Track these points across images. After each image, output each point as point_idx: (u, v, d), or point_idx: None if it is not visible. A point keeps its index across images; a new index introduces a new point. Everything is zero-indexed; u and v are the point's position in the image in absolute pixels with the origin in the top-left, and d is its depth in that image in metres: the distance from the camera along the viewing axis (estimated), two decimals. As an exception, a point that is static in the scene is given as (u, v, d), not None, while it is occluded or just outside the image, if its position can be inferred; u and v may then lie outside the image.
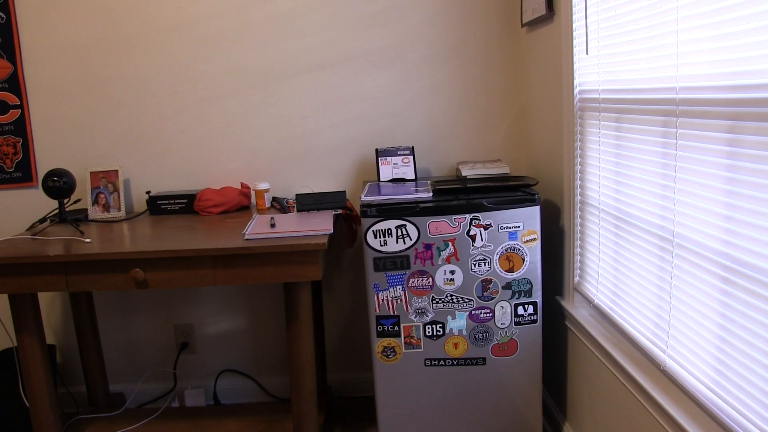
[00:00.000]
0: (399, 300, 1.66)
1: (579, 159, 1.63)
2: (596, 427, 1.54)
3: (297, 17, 2.13)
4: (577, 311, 1.65)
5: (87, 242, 1.74)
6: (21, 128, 2.17)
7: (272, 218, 1.85)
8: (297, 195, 2.05)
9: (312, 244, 1.62)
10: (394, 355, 1.67)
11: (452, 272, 1.65)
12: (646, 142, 1.23)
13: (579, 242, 1.65)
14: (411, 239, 1.64)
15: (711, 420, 1.04)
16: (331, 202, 2.01)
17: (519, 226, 1.63)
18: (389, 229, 1.62)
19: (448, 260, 1.65)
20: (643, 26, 1.21)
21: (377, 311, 1.65)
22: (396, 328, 1.67)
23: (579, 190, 1.64)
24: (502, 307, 1.68)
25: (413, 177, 2.04)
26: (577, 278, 1.68)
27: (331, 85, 2.16)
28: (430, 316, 1.67)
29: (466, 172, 1.92)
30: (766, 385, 0.90)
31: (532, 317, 1.67)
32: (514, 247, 1.64)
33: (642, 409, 1.25)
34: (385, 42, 2.14)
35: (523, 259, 1.64)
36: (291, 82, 2.16)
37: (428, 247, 1.64)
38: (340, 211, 2.00)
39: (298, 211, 2.01)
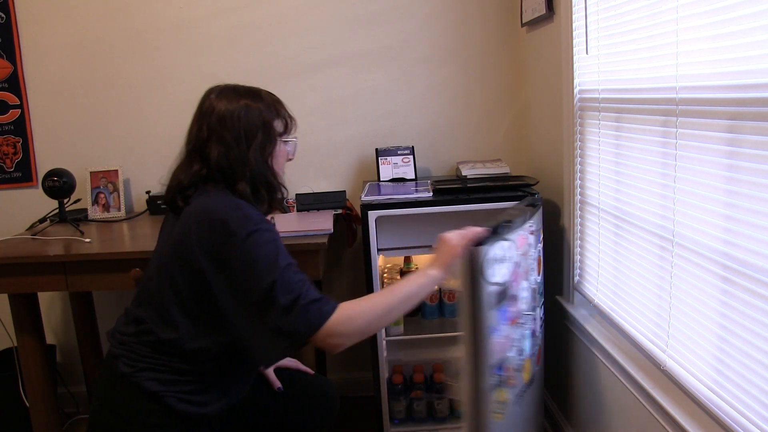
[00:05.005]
0: (506, 337, 1.26)
1: (579, 159, 1.62)
2: (596, 426, 1.54)
3: (296, 17, 2.13)
4: (577, 311, 1.65)
5: (87, 242, 1.74)
6: (21, 128, 2.17)
7: (272, 217, 1.85)
8: (297, 195, 2.05)
9: (312, 244, 1.62)
10: (504, 408, 1.26)
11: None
12: (646, 142, 1.23)
13: (579, 242, 1.65)
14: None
15: (711, 420, 1.04)
16: (330, 202, 2.01)
17: (519, 226, 1.62)
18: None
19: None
20: (642, 26, 1.21)
21: (492, 359, 1.19)
22: (502, 373, 1.26)
23: (579, 189, 1.64)
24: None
25: (413, 177, 2.04)
26: (577, 278, 1.68)
27: (331, 85, 2.16)
28: (517, 345, 1.34)
29: (467, 171, 1.92)
30: (766, 385, 0.90)
31: (533, 317, 1.66)
32: (515, 247, 1.63)
33: (642, 409, 1.25)
34: (385, 41, 2.14)
35: (524, 259, 1.63)
36: (290, 82, 2.16)
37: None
38: (339, 211, 2.00)
39: (297, 210, 2.01)
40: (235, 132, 1.11)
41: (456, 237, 1.18)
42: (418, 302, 1.15)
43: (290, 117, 1.20)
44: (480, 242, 1.12)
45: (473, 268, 1.12)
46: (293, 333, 1.00)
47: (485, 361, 1.12)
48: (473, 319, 1.12)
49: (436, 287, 1.46)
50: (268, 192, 1.16)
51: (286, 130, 1.20)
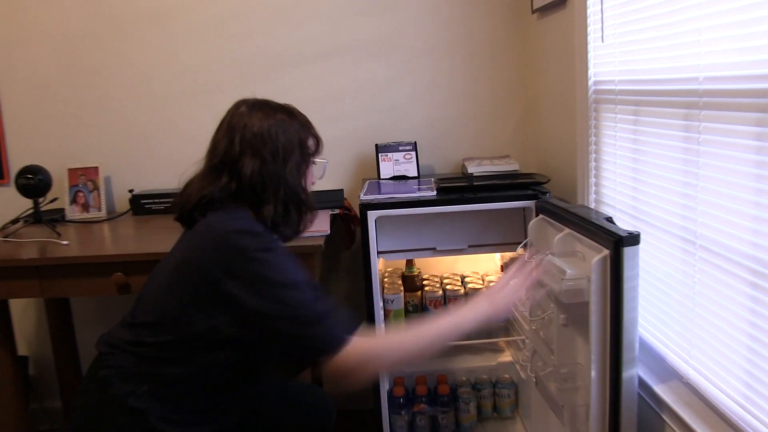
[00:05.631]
0: None
1: (594, 155, 1.62)
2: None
3: (292, 5, 2.12)
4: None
5: (64, 244, 1.73)
6: (-7, 122, 2.16)
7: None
8: (291, 194, 2.05)
9: (307, 246, 1.62)
10: None
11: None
12: (667, 137, 1.22)
13: (594, 245, 1.64)
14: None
15: (738, 436, 1.03)
16: (327, 201, 2.01)
17: (530, 228, 1.61)
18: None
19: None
20: (663, 11, 1.21)
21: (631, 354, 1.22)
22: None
23: (593, 188, 1.64)
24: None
25: (416, 174, 2.04)
26: (592, 283, 1.67)
27: (329, 77, 2.15)
28: None
29: (473, 169, 1.92)
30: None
31: (544, 325, 1.65)
32: (525, 250, 1.62)
33: (663, 423, 1.24)
34: (386, 30, 2.13)
35: (535, 263, 1.62)
36: (285, 73, 2.15)
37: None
38: (337, 211, 2.00)
39: (291, 211, 2.01)
40: (273, 147, 1.14)
41: (520, 277, 1.24)
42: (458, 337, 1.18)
43: (319, 138, 1.26)
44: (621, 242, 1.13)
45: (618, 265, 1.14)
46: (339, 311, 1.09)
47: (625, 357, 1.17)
48: (615, 317, 1.16)
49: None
50: (298, 212, 1.19)
51: (317, 150, 1.24)
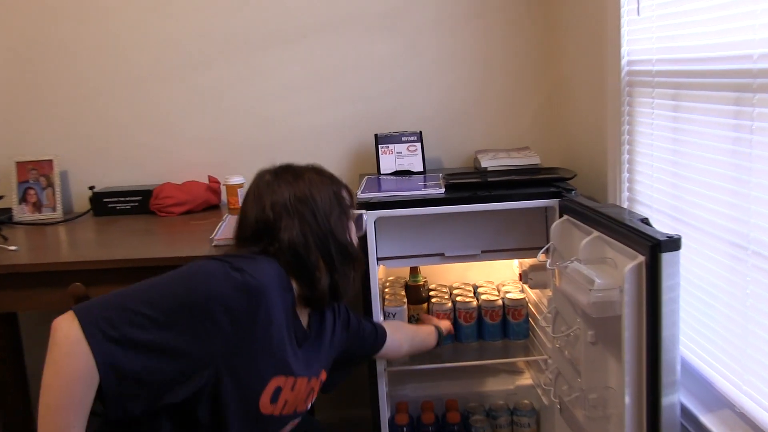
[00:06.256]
0: None
1: (627, 146, 1.61)
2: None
3: (277, -29, 2.11)
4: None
5: (12, 250, 1.72)
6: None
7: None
8: (277, 191, 2.04)
9: (295, 252, 1.61)
10: None
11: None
12: (713, 125, 1.21)
13: (627, 250, 1.63)
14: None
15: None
16: (319, 200, 2.00)
17: (553, 230, 1.61)
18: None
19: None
20: (710, -21, 1.20)
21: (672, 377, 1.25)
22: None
23: (627, 184, 1.63)
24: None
25: (421, 169, 2.03)
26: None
27: (320, 56, 2.14)
28: None
29: (487, 162, 1.92)
30: None
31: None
32: (547, 256, 1.61)
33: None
34: (387, 1, 2.12)
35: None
36: (270, 52, 2.14)
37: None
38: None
39: (278, 211, 2.00)
40: (312, 206, 1.22)
41: None
42: None
43: (351, 189, 1.35)
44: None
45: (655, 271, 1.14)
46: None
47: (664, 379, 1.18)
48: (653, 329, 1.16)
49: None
50: (353, 269, 1.28)
51: (352, 203, 1.32)
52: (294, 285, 1.19)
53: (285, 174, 1.26)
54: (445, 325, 1.81)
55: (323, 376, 1.32)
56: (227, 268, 1.07)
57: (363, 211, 1.40)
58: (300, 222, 1.19)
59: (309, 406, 1.29)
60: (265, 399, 1.13)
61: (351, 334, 1.44)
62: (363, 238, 1.65)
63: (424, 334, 1.72)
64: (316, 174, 1.27)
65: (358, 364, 1.61)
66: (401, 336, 1.64)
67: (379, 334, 1.56)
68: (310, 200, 1.21)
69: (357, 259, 1.29)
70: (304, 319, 1.26)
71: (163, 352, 0.99)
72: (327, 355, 1.34)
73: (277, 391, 1.15)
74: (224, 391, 1.07)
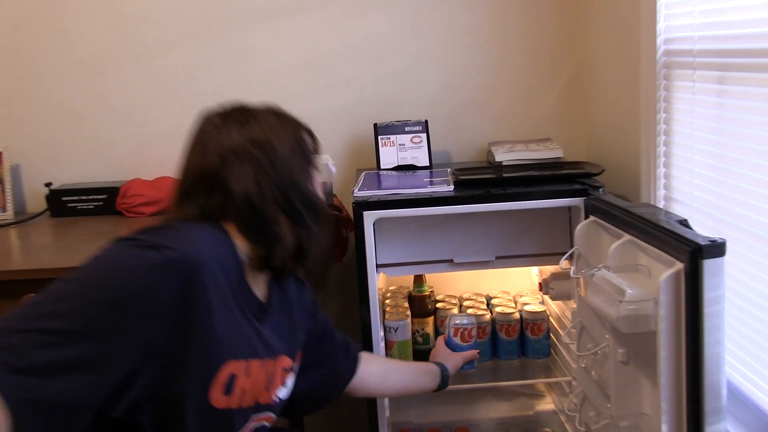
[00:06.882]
0: None
1: (663, 137, 1.61)
2: None
3: (262, -63, 2.11)
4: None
5: (-42, 256, 1.71)
6: None
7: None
8: (262, 189, 2.04)
9: (282, 259, 1.61)
10: None
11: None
12: (765, 112, 1.20)
13: (664, 256, 1.63)
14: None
15: None
16: (309, 199, 2.00)
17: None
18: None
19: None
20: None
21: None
22: None
23: (663, 181, 1.63)
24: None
25: (427, 163, 2.04)
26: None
27: (311, 34, 2.15)
28: None
29: (502, 156, 1.92)
30: None
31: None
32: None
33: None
34: (387, -28, 2.12)
35: (585, 280, 1.61)
36: (255, 29, 2.14)
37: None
38: (322, 212, 2.00)
39: (263, 211, 2.00)
40: (268, 150, 1.16)
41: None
42: None
43: (313, 133, 1.29)
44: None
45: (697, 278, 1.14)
46: None
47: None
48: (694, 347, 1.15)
49: None
50: (320, 227, 1.21)
51: (316, 148, 1.27)
52: (245, 248, 1.14)
53: (236, 115, 1.21)
54: (466, 356, 1.70)
55: (295, 360, 1.28)
56: (139, 250, 1.01)
57: (327, 157, 1.33)
58: (254, 169, 1.14)
59: (276, 398, 1.24)
60: (216, 391, 1.08)
61: (316, 330, 1.38)
62: (361, 243, 1.66)
63: (417, 372, 1.62)
64: (272, 115, 1.23)
65: (320, 403, 1.49)
66: (380, 366, 1.59)
67: (352, 350, 1.49)
68: (267, 144, 1.17)
69: (323, 212, 1.24)
70: (260, 290, 1.20)
71: (87, 367, 0.94)
72: (295, 332, 1.29)
73: (231, 379, 1.10)
74: (168, 392, 1.03)
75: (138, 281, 0.97)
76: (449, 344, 1.72)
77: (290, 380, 1.27)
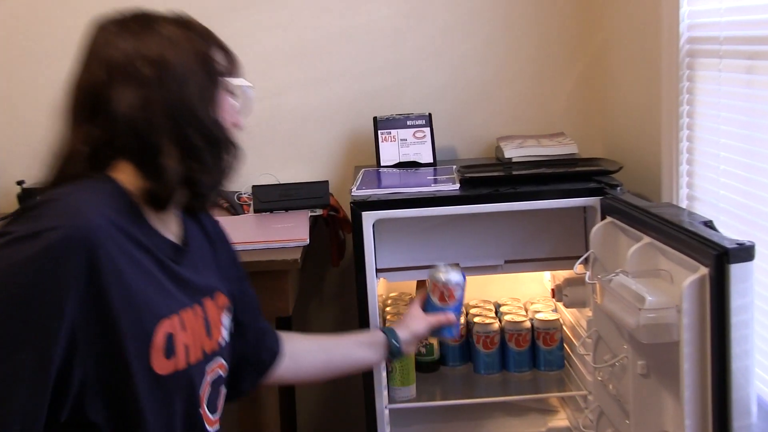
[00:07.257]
0: None
1: (686, 131, 1.61)
2: None
3: None
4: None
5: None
6: None
7: (214, 223, 1.83)
8: (254, 187, 2.04)
9: (277, 262, 1.62)
10: None
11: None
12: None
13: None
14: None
15: None
16: (305, 199, 2.00)
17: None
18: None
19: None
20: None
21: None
22: None
23: (686, 179, 1.63)
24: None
25: (431, 160, 2.04)
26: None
27: (305, 21, 2.15)
28: None
29: (512, 152, 1.92)
30: None
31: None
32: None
33: None
34: (388, -46, 2.12)
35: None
36: (244, 15, 2.15)
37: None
38: (319, 212, 2.00)
39: (255, 211, 2.00)
40: (160, 67, 1.08)
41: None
42: None
43: (230, 51, 1.21)
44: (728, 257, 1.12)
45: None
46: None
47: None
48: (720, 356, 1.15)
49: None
50: (214, 155, 1.12)
51: (232, 69, 1.19)
52: (140, 183, 1.08)
53: (133, 23, 1.13)
54: (433, 322, 1.52)
55: (223, 298, 1.24)
56: (17, 244, 0.95)
57: (244, 81, 1.23)
58: (141, 88, 1.07)
59: (222, 341, 1.20)
60: (158, 359, 1.04)
61: (236, 279, 1.31)
62: (360, 246, 1.66)
63: (354, 343, 1.48)
64: (177, 26, 1.14)
65: (260, 367, 1.38)
66: (308, 338, 1.50)
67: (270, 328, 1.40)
68: (159, 60, 1.09)
69: (225, 142, 1.14)
70: (171, 230, 1.16)
71: (16, 379, 0.92)
72: (221, 267, 1.26)
73: (169, 339, 1.07)
74: (111, 378, 1.00)
75: (27, 283, 0.94)
76: (425, 305, 1.55)
77: (226, 319, 1.23)
